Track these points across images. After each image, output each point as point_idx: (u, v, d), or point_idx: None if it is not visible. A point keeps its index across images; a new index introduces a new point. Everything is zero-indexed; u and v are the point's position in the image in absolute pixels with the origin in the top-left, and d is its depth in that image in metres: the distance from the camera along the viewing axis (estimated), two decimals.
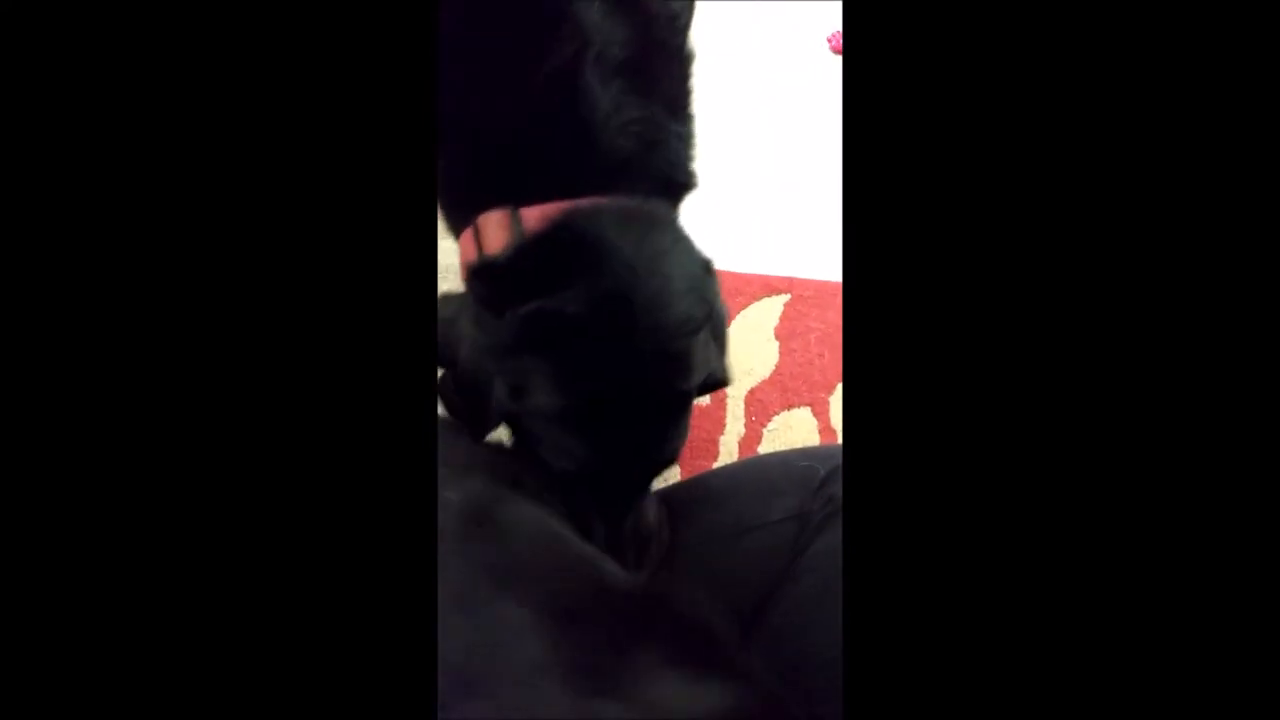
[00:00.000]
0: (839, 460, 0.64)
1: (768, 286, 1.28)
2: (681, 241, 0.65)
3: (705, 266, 0.67)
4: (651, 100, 0.63)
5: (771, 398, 1.20)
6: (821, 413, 1.18)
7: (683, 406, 0.66)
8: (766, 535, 0.63)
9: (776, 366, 1.22)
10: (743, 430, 1.18)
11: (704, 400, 1.20)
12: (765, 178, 1.37)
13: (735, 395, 1.21)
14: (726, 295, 1.27)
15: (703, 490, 0.71)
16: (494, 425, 0.65)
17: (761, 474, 0.69)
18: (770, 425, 1.18)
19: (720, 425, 1.19)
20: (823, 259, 1.30)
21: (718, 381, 0.72)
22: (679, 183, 0.68)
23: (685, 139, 0.68)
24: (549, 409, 0.61)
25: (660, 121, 0.64)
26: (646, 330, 0.60)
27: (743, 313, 1.26)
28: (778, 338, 1.24)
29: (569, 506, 0.63)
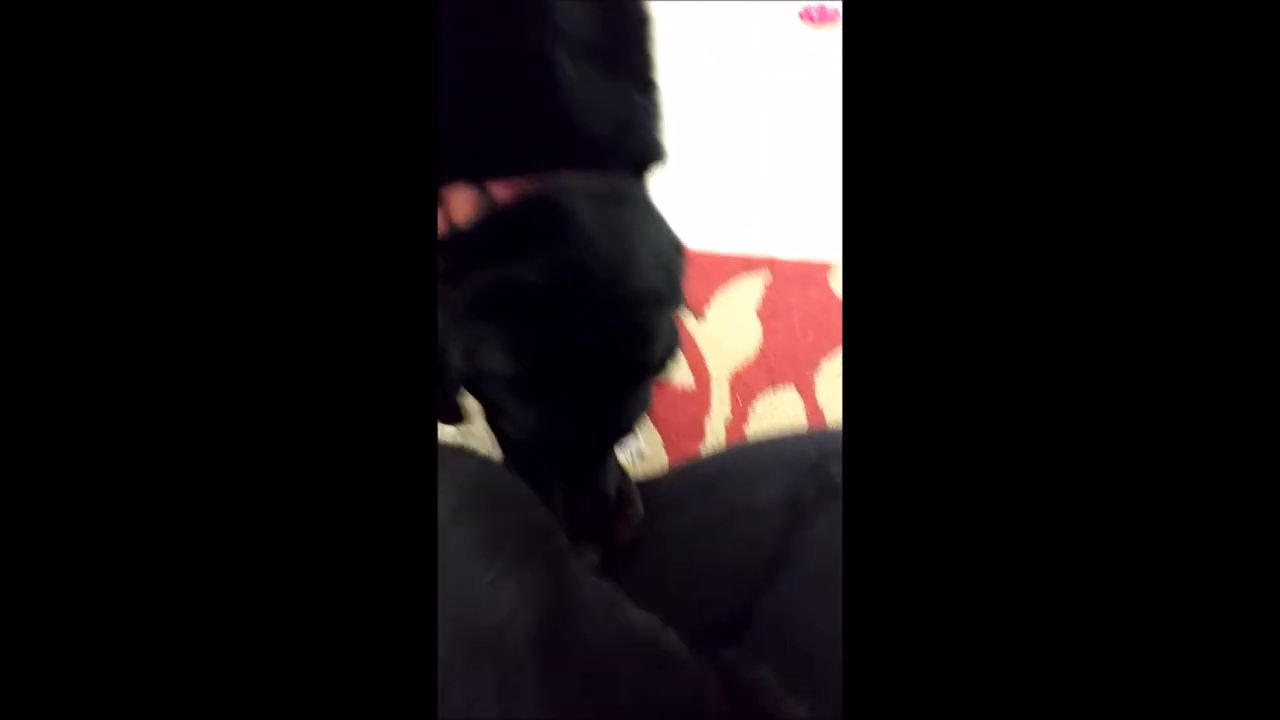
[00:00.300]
0: (832, 443, 0.63)
1: (747, 265, 1.26)
2: (652, 218, 0.65)
3: (676, 246, 0.66)
4: (621, 78, 0.62)
5: (757, 378, 1.19)
6: (807, 391, 1.17)
7: (641, 377, 0.65)
8: (756, 521, 0.61)
9: (760, 346, 1.21)
10: (729, 412, 1.17)
11: (689, 383, 1.19)
12: (741, 156, 1.35)
13: (720, 377, 1.19)
14: (705, 275, 1.28)
15: (690, 479, 0.70)
16: (455, 390, 0.65)
17: (750, 459, 0.68)
18: (756, 405, 1.17)
19: (706, 407, 1.18)
20: (802, 236, 1.28)
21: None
22: (647, 154, 0.67)
23: (653, 114, 0.66)
24: (503, 374, 0.61)
25: (631, 99, 0.63)
26: (607, 300, 0.60)
27: (723, 292, 1.25)
28: (760, 317, 1.23)
29: (528, 472, 0.63)
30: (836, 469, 0.60)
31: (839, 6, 1.43)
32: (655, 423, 1.17)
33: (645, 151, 0.66)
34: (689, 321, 1.23)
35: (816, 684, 0.53)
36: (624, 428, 0.67)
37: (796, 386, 1.17)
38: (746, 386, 1.18)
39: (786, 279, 1.25)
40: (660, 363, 0.68)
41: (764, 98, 1.39)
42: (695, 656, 0.43)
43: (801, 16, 1.42)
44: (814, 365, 1.19)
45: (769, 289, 1.24)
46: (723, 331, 1.22)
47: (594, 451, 0.68)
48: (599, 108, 0.60)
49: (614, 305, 0.60)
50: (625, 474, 0.70)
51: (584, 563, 0.53)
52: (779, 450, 0.66)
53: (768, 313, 1.23)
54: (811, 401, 1.16)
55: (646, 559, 0.65)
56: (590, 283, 0.59)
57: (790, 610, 0.58)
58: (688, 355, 1.21)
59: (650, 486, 0.71)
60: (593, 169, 0.61)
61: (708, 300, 1.24)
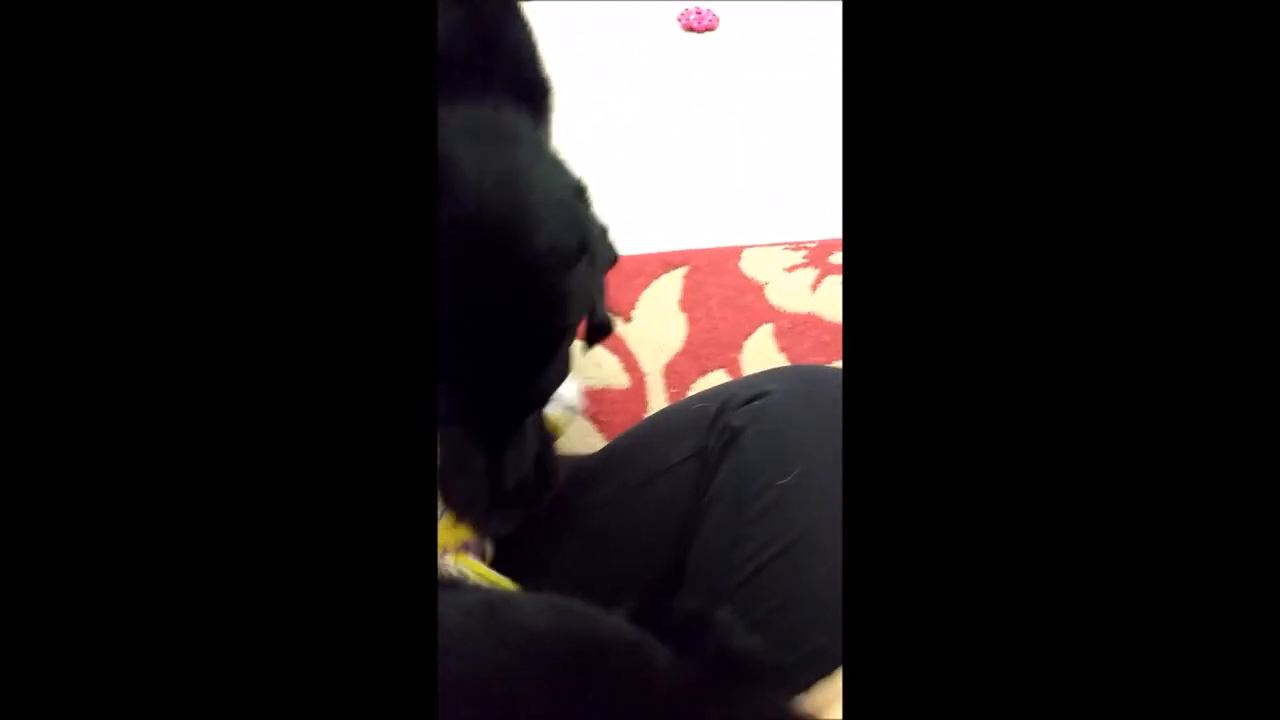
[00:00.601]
0: (727, 396, 0.67)
1: (665, 263, 1.31)
2: (545, 161, 0.59)
3: (577, 190, 0.60)
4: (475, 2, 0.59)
5: (687, 368, 1.23)
6: (734, 371, 1.22)
7: (557, 343, 0.60)
8: (670, 479, 0.65)
9: (686, 337, 1.25)
10: (666, 404, 1.21)
11: (625, 384, 1.23)
12: (646, 160, 1.41)
13: (653, 373, 1.23)
14: (628, 280, 1.33)
15: (609, 453, 0.74)
16: None
17: (661, 425, 0.72)
18: (690, 393, 1.21)
19: (644, 405, 1.22)
20: (712, 227, 1.34)
21: (604, 324, 0.67)
22: (529, 82, 0.62)
23: (524, 32, 0.62)
24: None
25: (489, 17, 0.59)
26: (504, 263, 0.54)
27: (646, 292, 1.29)
28: (683, 309, 1.27)
29: (450, 440, 0.61)
30: (732, 418, 0.64)
31: (715, 15, 1.50)
32: (597, 426, 1.20)
33: (522, 73, 0.61)
34: (617, 324, 1.28)
35: (750, 620, 0.56)
36: (543, 395, 0.64)
37: (725, 369, 1.22)
38: (679, 377, 1.22)
39: (703, 269, 1.30)
40: (593, 326, 0.64)
41: (653, 99, 1.45)
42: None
43: (679, 21, 1.49)
44: (738, 347, 1.24)
45: (687, 281, 1.29)
46: (650, 329, 1.27)
47: (512, 420, 0.64)
48: (451, 27, 0.55)
49: (513, 267, 0.54)
50: (548, 442, 0.69)
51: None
52: (683, 412, 0.70)
53: (689, 304, 1.28)
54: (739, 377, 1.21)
55: (583, 532, 0.69)
56: (482, 241, 0.53)
57: (714, 560, 0.62)
58: (620, 357, 1.25)
59: (578, 463, 0.74)
60: (468, 97, 0.56)
61: (633, 303, 1.29)
